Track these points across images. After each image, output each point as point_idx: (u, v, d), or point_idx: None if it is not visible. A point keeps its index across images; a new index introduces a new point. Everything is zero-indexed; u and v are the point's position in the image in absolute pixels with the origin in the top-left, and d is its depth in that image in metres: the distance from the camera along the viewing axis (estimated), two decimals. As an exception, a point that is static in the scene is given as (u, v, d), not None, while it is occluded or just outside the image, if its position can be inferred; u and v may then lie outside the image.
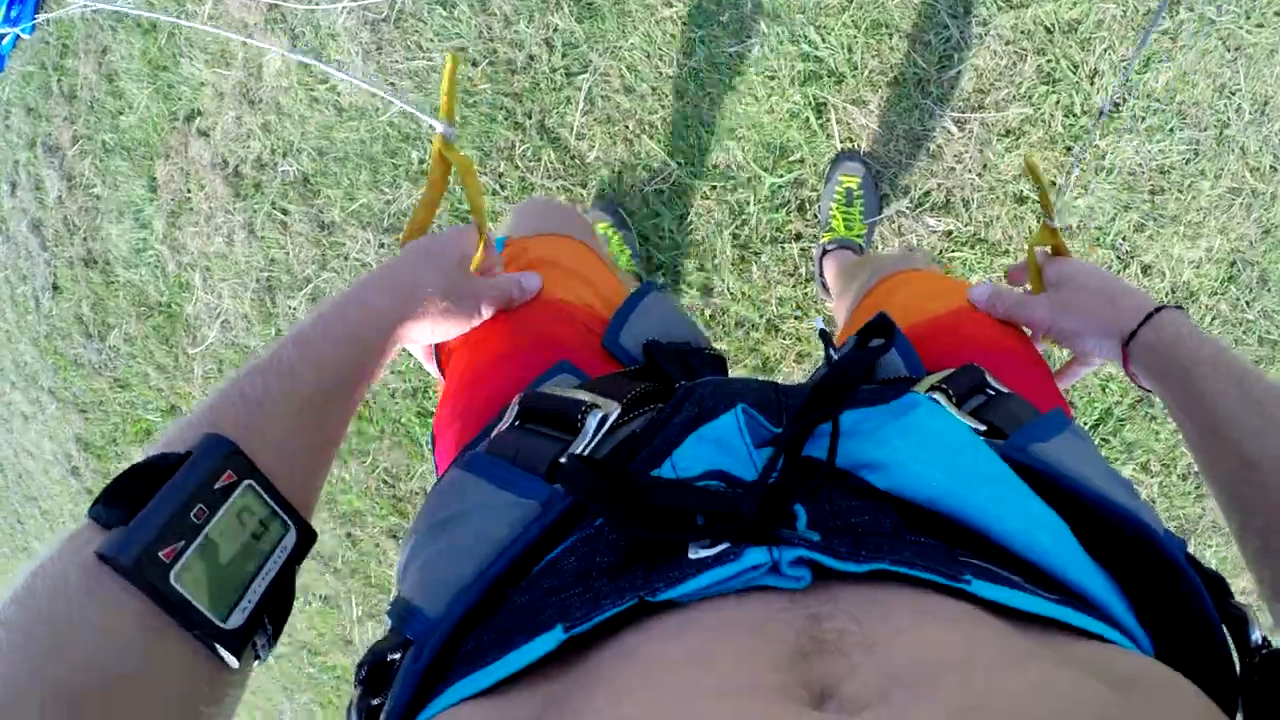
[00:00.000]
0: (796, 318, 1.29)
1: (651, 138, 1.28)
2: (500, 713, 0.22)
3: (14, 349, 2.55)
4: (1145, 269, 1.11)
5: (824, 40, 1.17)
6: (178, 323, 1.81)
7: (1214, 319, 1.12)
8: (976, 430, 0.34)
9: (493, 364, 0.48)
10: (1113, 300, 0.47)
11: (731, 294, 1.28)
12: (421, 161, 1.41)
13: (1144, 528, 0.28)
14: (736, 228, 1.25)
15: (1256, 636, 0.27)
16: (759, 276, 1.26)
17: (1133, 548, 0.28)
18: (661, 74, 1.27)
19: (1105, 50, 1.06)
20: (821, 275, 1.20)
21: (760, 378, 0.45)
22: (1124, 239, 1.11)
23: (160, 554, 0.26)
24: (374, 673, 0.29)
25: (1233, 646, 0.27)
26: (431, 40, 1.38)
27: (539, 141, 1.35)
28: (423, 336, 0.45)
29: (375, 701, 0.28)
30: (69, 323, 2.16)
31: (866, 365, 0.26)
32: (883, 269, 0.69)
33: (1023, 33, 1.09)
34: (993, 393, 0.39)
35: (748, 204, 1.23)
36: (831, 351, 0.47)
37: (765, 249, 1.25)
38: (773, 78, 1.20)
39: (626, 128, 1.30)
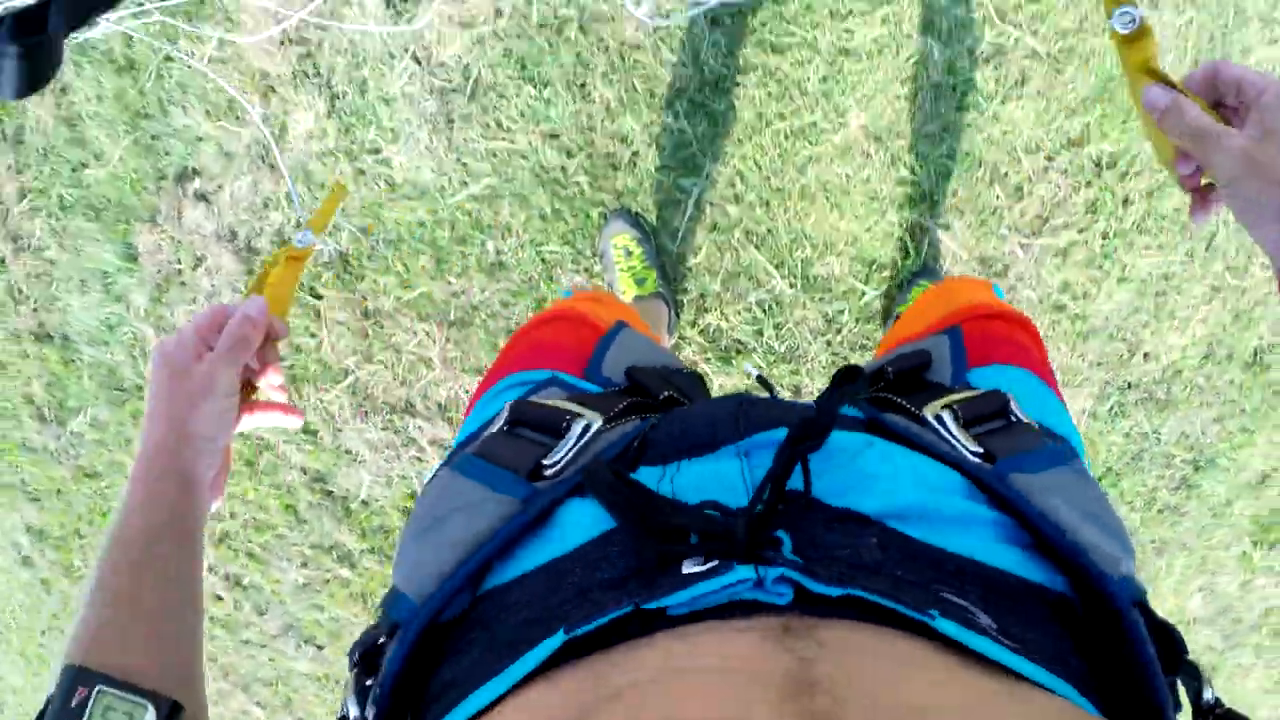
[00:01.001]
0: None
1: (758, 248, 1.30)
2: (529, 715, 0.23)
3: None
4: (1145, 355, 1.33)
5: (921, 167, 1.27)
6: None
7: (1193, 389, 1.36)
8: (972, 451, 0.35)
9: (506, 366, 0.56)
10: None
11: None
12: (499, 253, 1.23)
13: (1091, 568, 0.28)
14: (830, 336, 1.33)
15: (1209, 695, 0.27)
16: (847, 379, 1.35)
17: (1084, 585, 0.29)
18: (771, 186, 1.26)
19: (1136, 178, 1.27)
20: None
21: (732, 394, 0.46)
22: (1131, 333, 1.34)
23: None
24: (366, 656, 0.31)
25: (1185, 701, 0.28)
26: (515, 120, 1.21)
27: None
28: (211, 464, 0.46)
29: (368, 683, 0.30)
30: (15, 403, 1.83)
31: (837, 409, 0.29)
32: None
33: (1079, 167, 1.26)
34: (1014, 420, 0.39)
35: (843, 314, 1.32)
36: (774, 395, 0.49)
37: (853, 356, 1.35)
38: (874, 198, 1.28)
39: (733, 236, 1.28)
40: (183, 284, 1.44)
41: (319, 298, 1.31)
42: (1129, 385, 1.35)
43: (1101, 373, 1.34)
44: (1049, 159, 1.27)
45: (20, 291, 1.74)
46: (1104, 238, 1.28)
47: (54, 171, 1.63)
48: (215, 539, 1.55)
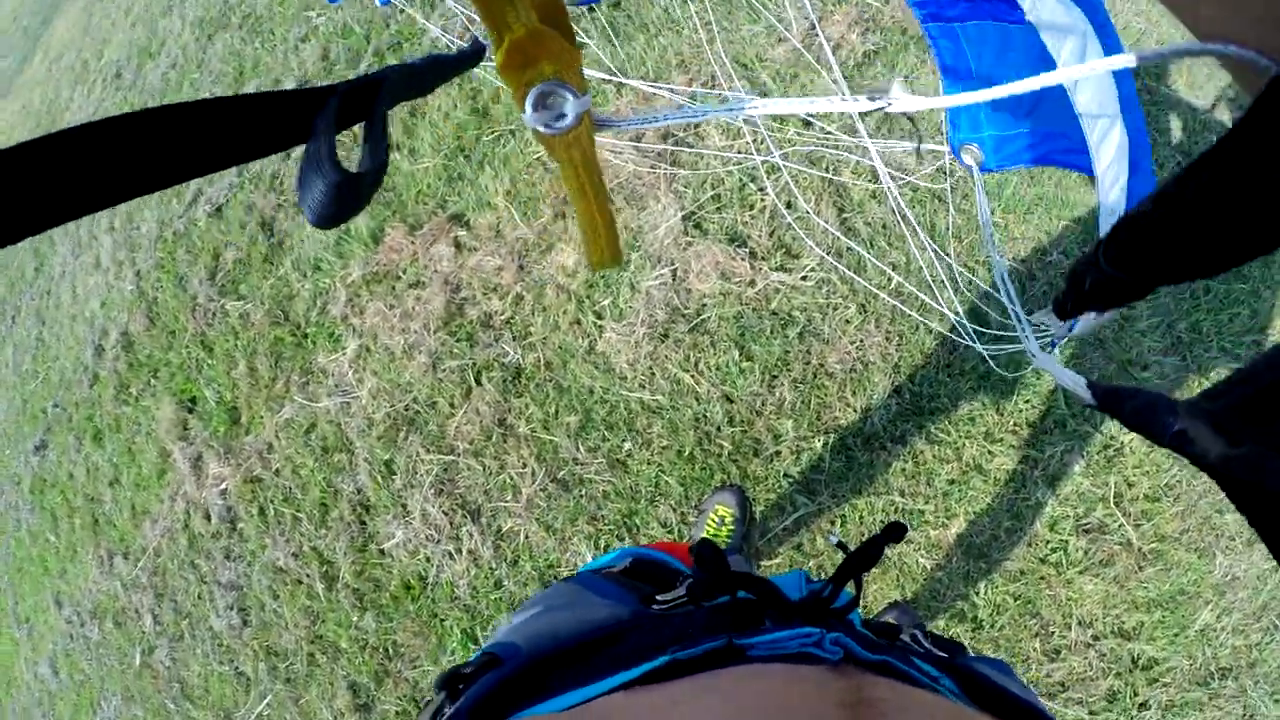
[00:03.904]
0: None
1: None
2: (634, 693, 0.29)
3: (138, 204, 2.48)
4: None
5: (985, 593, 1.35)
6: (302, 357, 1.73)
7: None
8: (936, 655, 0.44)
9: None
10: None
11: None
12: (629, 455, 1.38)
13: (1049, 717, 0.37)
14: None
15: None
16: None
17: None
18: (859, 539, 1.38)
19: (1162, 688, 1.28)
20: None
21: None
22: None
23: None
24: (449, 681, 0.34)
25: None
26: (710, 369, 1.40)
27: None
28: None
29: (447, 711, 0.33)
30: (204, 247, 2.10)
31: (879, 551, 0.41)
32: None
33: (1117, 657, 1.29)
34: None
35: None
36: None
37: None
38: (935, 597, 1.39)
39: (809, 562, 1.37)
40: (393, 288, 1.66)
41: (479, 384, 1.49)
42: None
43: None
44: (1095, 638, 1.33)
45: (281, 182, 2.05)
46: (1106, 728, 1.28)
47: (373, 139, 1.97)
48: (249, 477, 1.66)
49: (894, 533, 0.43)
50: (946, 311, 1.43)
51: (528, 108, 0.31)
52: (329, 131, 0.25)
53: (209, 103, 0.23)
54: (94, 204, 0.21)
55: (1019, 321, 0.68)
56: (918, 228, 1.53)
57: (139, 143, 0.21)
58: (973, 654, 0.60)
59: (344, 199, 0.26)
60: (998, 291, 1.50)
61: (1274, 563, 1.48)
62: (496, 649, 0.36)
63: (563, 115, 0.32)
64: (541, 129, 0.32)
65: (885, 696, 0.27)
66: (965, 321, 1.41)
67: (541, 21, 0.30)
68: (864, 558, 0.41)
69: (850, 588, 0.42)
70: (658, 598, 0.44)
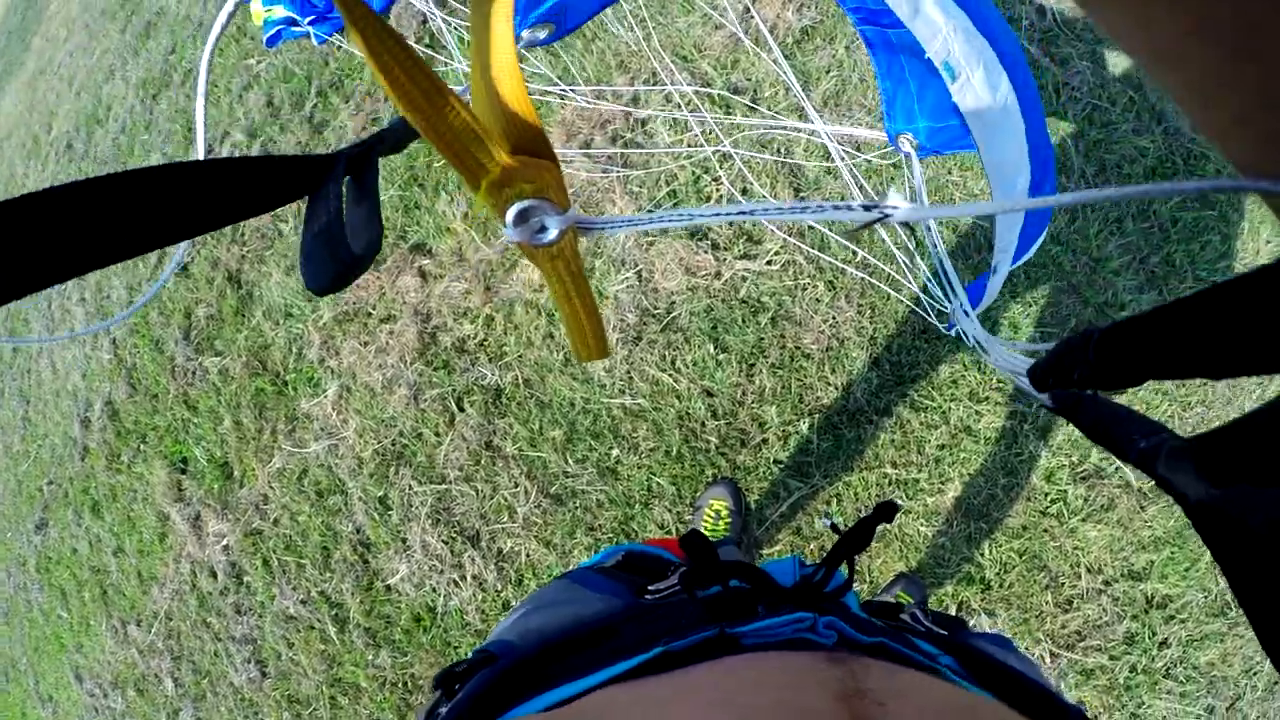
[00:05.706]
0: None
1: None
2: (628, 687, 0.28)
3: (105, 273, 2.47)
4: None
5: (989, 552, 1.35)
6: (285, 405, 1.73)
7: None
8: (937, 633, 0.45)
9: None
10: None
11: None
12: (618, 462, 1.39)
13: (1051, 691, 0.36)
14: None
15: None
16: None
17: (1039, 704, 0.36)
18: (858, 515, 1.34)
19: (1180, 625, 1.28)
20: None
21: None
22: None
23: None
24: (445, 679, 0.35)
25: None
26: (687, 366, 1.41)
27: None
28: None
29: (441, 710, 0.34)
30: (175, 308, 2.09)
31: (871, 532, 0.40)
32: None
33: (1131, 599, 1.30)
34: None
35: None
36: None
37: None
38: (940, 564, 1.38)
39: (808, 545, 1.35)
40: (365, 325, 1.66)
41: (462, 409, 1.49)
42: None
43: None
44: (1106, 583, 1.33)
45: (244, 236, 2.05)
46: (1131, 670, 1.31)
47: (328, 178, 1.96)
48: (249, 530, 1.66)
49: (884, 512, 0.43)
50: (913, 286, 1.44)
51: (509, 223, 0.30)
52: (337, 200, 0.27)
53: (221, 163, 0.23)
54: (106, 258, 0.21)
55: (967, 321, 0.68)
56: (875, 197, 1.54)
57: (156, 199, 0.21)
58: (984, 628, 0.59)
59: (347, 274, 0.30)
60: (950, 263, 1.51)
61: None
62: (492, 647, 0.37)
63: (544, 229, 0.31)
64: (524, 242, 0.32)
65: (881, 685, 0.27)
66: (931, 286, 1.42)
67: (517, 150, 0.29)
68: (855, 540, 0.41)
69: (845, 570, 0.42)
70: (650, 588, 0.45)
